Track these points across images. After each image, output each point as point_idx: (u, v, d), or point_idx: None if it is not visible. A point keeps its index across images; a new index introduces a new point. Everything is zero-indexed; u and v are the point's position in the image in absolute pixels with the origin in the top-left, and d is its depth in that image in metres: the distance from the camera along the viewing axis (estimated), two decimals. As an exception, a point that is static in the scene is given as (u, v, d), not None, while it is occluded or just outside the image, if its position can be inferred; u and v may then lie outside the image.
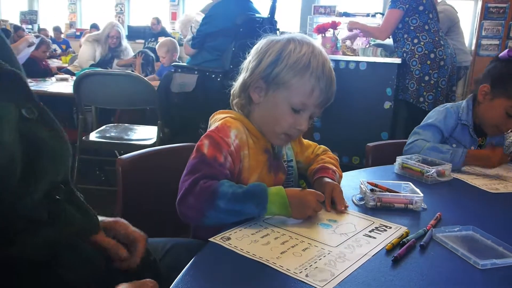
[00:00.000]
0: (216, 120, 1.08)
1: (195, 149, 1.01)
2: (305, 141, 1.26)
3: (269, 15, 2.95)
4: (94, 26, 7.03)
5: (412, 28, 3.11)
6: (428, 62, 3.08)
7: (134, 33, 8.11)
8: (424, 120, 1.62)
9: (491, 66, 1.55)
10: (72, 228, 0.75)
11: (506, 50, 1.50)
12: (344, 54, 3.70)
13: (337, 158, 1.24)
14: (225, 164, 0.99)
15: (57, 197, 0.72)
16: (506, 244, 0.84)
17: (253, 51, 1.07)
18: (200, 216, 0.92)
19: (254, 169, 1.05)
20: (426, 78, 3.09)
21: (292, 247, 0.83)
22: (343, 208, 1.02)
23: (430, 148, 1.46)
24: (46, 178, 0.69)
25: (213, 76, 2.77)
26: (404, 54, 3.17)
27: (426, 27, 3.09)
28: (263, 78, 1.03)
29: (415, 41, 3.10)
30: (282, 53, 1.01)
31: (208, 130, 1.06)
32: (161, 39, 6.13)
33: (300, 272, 0.74)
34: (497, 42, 5.64)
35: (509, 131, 1.96)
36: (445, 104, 1.64)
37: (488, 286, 0.74)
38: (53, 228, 0.70)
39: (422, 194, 1.05)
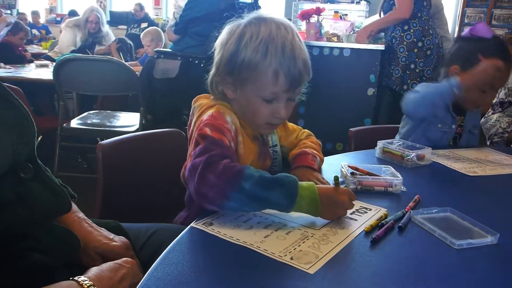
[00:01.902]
0: (202, 106, 1.06)
1: (195, 140, 0.94)
2: (290, 125, 1.26)
3: (252, 1, 2.92)
4: (73, 13, 6.85)
5: None
6: (415, 50, 3.08)
7: (116, 19, 7.96)
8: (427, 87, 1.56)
9: (456, 47, 1.57)
10: (41, 207, 0.75)
11: (468, 29, 1.53)
12: (328, 40, 3.70)
13: (320, 143, 1.25)
14: (230, 145, 0.95)
15: (22, 175, 0.72)
16: (481, 224, 0.87)
17: (217, 43, 1.03)
18: (222, 197, 0.82)
19: (247, 157, 1.04)
20: (412, 66, 3.10)
21: (276, 230, 0.84)
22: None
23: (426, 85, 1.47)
24: (5, 157, 0.68)
25: (196, 62, 2.75)
26: (393, 40, 3.16)
27: (419, 15, 3.07)
28: (228, 74, 1.00)
29: (405, 27, 3.08)
30: (240, 42, 0.97)
31: (194, 117, 1.04)
32: (144, 25, 6.05)
33: (284, 255, 0.74)
34: (479, 29, 5.69)
35: (490, 112, 2.00)
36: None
37: (463, 265, 0.76)
38: (21, 207, 0.70)
39: (401, 177, 1.07)
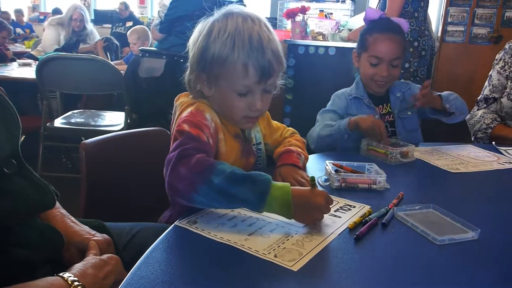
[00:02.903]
0: (183, 104, 1.06)
1: (174, 136, 0.96)
2: (274, 123, 1.27)
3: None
4: (57, 11, 6.77)
5: (402, 12, 3.05)
6: (411, 49, 3.05)
7: (100, 17, 7.87)
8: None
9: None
10: (24, 201, 0.75)
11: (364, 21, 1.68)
12: (313, 39, 3.71)
13: (304, 141, 1.25)
14: (209, 142, 0.96)
15: (6, 170, 0.71)
16: (463, 220, 0.88)
17: (189, 42, 1.04)
18: (191, 190, 0.81)
19: (229, 155, 1.04)
20: (406, 65, 3.06)
21: (260, 228, 0.84)
22: None
23: (322, 128, 1.51)
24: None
25: (181, 60, 2.73)
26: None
27: (415, 15, 3.07)
28: (201, 71, 1.01)
29: (418, 40, 3.04)
30: (209, 38, 0.97)
31: (175, 115, 1.04)
32: (129, 24, 6.00)
33: (268, 253, 0.74)
34: (462, 29, 5.77)
35: (475, 109, 2.02)
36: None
37: (445, 260, 0.77)
38: (4, 201, 0.70)
39: (385, 175, 1.08)
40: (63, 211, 0.93)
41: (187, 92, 1.10)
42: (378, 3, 3.21)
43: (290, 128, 1.28)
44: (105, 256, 0.82)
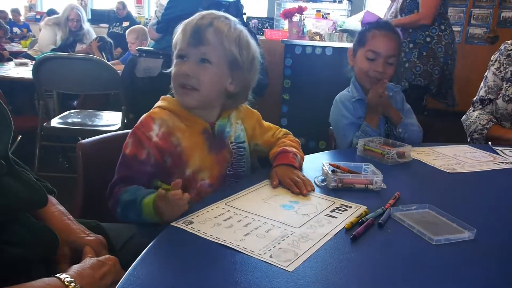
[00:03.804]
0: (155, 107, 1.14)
1: (123, 144, 1.07)
2: (266, 123, 1.27)
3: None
4: (52, 12, 6.73)
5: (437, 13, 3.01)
6: (450, 52, 3.03)
7: (97, 17, 7.86)
8: (333, 120, 1.67)
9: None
10: (15, 199, 0.75)
11: (361, 24, 1.82)
12: (310, 39, 3.72)
13: (299, 140, 1.26)
14: (148, 160, 1.05)
15: None
16: (459, 220, 0.88)
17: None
18: (118, 218, 1.01)
19: (192, 150, 1.08)
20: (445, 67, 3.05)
21: (256, 229, 0.84)
22: (305, 191, 1.02)
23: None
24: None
25: (178, 60, 2.73)
26: (428, 39, 3.01)
27: (447, 16, 3.07)
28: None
29: (442, 27, 3.01)
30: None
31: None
32: (126, 24, 5.98)
33: (264, 253, 0.74)
34: (459, 29, 5.79)
35: (471, 110, 2.03)
36: (335, 98, 1.68)
37: (441, 260, 0.77)
38: None
39: (382, 175, 1.08)
40: (62, 208, 0.94)
41: (164, 96, 1.16)
42: (403, 2, 3.11)
43: (283, 129, 1.29)
44: (102, 257, 0.82)
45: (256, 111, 1.26)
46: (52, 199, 0.94)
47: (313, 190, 1.05)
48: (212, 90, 1.08)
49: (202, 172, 1.10)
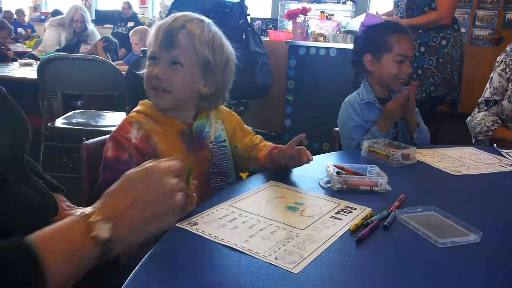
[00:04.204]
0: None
1: (104, 149, 1.08)
2: (245, 126, 1.29)
3: (239, 0, 2.92)
4: (56, 13, 6.76)
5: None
6: (463, 53, 2.78)
7: (102, 18, 7.88)
8: (340, 122, 1.68)
9: (358, 43, 1.74)
10: (26, 209, 0.74)
11: (360, 26, 1.72)
12: (314, 40, 3.72)
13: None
14: (131, 160, 1.05)
15: (9, 177, 0.71)
16: (465, 223, 0.88)
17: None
18: None
19: (169, 153, 1.09)
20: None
21: (260, 230, 0.84)
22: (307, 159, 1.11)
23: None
24: (8, 151, 0.67)
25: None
26: (444, 42, 2.70)
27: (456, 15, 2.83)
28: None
29: (455, 26, 2.75)
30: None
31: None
32: (131, 24, 6.00)
33: (269, 255, 0.74)
34: (463, 30, 5.77)
35: (475, 111, 2.02)
36: (344, 100, 1.70)
37: (447, 264, 0.76)
38: (5, 206, 0.69)
39: (387, 177, 1.08)
40: (68, 203, 0.94)
41: (142, 101, 1.17)
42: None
43: (257, 135, 1.30)
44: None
45: (236, 114, 1.29)
46: (60, 196, 0.94)
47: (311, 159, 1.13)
48: (184, 92, 1.10)
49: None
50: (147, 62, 1.11)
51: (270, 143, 1.26)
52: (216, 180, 1.17)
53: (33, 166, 0.89)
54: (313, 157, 1.29)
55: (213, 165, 1.17)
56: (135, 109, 1.15)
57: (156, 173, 0.68)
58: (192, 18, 1.11)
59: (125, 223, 0.61)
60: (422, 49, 2.72)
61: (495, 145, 1.65)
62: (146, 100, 1.15)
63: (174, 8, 2.86)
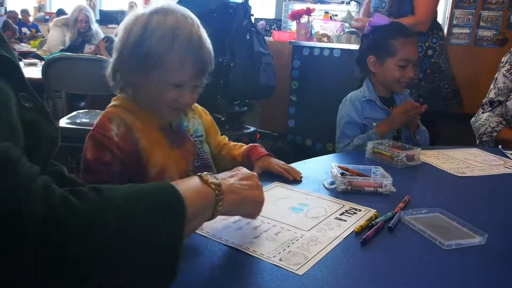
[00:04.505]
0: (106, 107, 1.09)
1: (83, 152, 1.02)
2: (215, 125, 1.28)
3: (243, 0, 2.92)
4: (61, 12, 6.78)
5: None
6: (449, 61, 2.68)
7: (106, 18, 7.88)
8: (338, 117, 1.68)
9: (363, 44, 1.76)
10: (45, 139, 0.72)
11: (367, 25, 1.73)
12: (318, 40, 3.71)
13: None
14: (113, 160, 1.00)
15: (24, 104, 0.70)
16: (470, 225, 0.87)
17: (119, 29, 1.03)
18: None
19: (152, 149, 1.05)
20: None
21: (265, 231, 0.84)
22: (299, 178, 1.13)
23: (354, 147, 1.56)
24: (40, 161, 0.67)
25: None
26: (430, 51, 2.57)
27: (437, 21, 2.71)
28: (132, 60, 0.99)
29: (440, 34, 2.64)
30: (146, 29, 0.97)
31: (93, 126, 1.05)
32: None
33: (274, 257, 0.74)
34: (468, 31, 5.76)
35: (480, 112, 2.02)
36: (346, 96, 1.70)
37: (452, 266, 0.76)
38: (30, 134, 0.67)
39: (391, 178, 1.07)
40: None
41: (114, 97, 1.10)
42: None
43: (223, 135, 1.30)
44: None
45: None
46: None
47: (301, 178, 1.14)
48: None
49: (168, 170, 1.07)
50: (168, 88, 1.00)
51: (240, 143, 1.25)
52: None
53: (61, 170, 0.88)
54: (317, 158, 1.29)
55: (197, 158, 1.15)
56: (111, 104, 1.08)
57: (239, 168, 0.84)
58: (208, 41, 1.02)
59: (228, 184, 0.74)
60: None
61: (500, 146, 1.65)
62: (120, 96, 1.09)
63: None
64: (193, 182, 0.69)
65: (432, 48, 2.56)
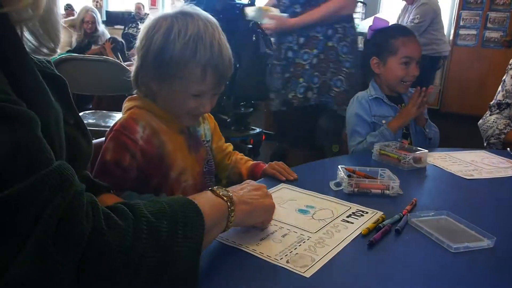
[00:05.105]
0: (125, 109, 1.07)
1: (101, 152, 1.00)
2: (219, 129, 1.28)
3: (249, 1, 2.92)
4: (69, 7, 6.84)
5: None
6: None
7: (112, 18, 7.91)
8: (347, 118, 1.67)
9: (366, 48, 1.80)
10: (81, 154, 0.75)
11: (368, 29, 1.75)
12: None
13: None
14: (132, 165, 0.99)
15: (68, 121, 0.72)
16: (478, 228, 0.87)
17: (141, 34, 1.02)
18: None
19: (176, 152, 1.05)
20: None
21: (272, 233, 0.83)
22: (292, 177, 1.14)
23: (369, 145, 1.53)
24: (79, 174, 0.70)
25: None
26: (331, 31, 2.12)
27: None
28: (154, 68, 0.99)
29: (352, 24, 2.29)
30: (168, 37, 0.96)
31: (115, 125, 1.04)
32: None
33: (280, 259, 0.74)
34: (475, 32, 5.73)
35: (487, 114, 2.01)
36: (353, 97, 1.70)
37: (460, 269, 0.76)
38: (70, 148, 0.69)
39: (398, 180, 1.07)
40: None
41: (132, 96, 1.09)
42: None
43: (229, 143, 1.29)
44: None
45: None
46: (110, 196, 0.91)
47: (297, 178, 1.14)
48: None
49: (185, 173, 1.08)
50: (188, 98, 1.00)
51: (246, 157, 1.26)
52: (207, 180, 1.16)
53: (87, 174, 0.89)
54: (324, 160, 1.29)
55: (206, 164, 1.15)
56: (132, 104, 1.06)
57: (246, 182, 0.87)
58: (228, 48, 1.02)
59: (239, 196, 0.76)
60: (301, 40, 2.14)
61: (508, 149, 1.63)
62: (135, 95, 1.08)
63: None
64: (207, 196, 0.72)
65: (333, 28, 2.12)
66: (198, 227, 0.62)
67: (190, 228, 0.61)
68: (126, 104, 1.08)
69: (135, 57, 1.05)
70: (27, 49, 0.60)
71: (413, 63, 1.62)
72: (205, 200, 0.69)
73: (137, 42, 1.02)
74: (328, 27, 2.11)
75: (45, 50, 0.63)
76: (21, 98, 0.51)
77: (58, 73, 0.70)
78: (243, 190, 0.81)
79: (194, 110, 1.03)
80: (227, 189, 0.76)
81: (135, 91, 1.08)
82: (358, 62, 2.12)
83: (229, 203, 0.72)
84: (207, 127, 1.21)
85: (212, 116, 1.25)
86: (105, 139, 1.03)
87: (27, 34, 0.59)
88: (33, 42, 0.61)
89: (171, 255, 0.57)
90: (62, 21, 0.64)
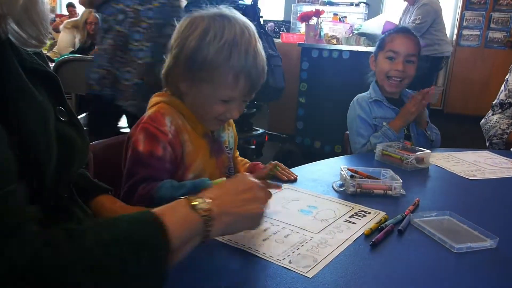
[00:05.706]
0: (150, 103, 1.05)
1: (131, 145, 0.99)
2: None
3: (252, 2, 2.93)
4: (71, 5, 6.86)
5: None
6: None
7: (115, 20, 7.93)
8: (348, 121, 1.68)
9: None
10: (76, 151, 0.74)
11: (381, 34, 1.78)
12: (327, 42, 3.71)
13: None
14: (165, 156, 0.97)
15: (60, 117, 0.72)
16: (481, 228, 0.86)
17: (176, 33, 1.00)
18: (148, 198, 0.91)
19: (196, 154, 1.03)
20: None
21: (274, 233, 0.84)
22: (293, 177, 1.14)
23: (373, 146, 1.53)
24: (74, 174, 0.70)
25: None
26: (122, 16, 1.98)
27: None
28: (186, 69, 0.97)
29: None
30: (202, 41, 0.94)
31: (142, 118, 1.02)
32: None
33: (283, 259, 0.74)
34: (478, 33, 5.72)
35: (490, 114, 2.00)
36: (353, 99, 1.71)
37: (463, 269, 0.76)
38: (63, 146, 0.68)
39: (401, 181, 1.07)
40: (121, 203, 0.91)
41: (159, 93, 1.08)
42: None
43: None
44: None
45: None
46: (110, 197, 0.91)
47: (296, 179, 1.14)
48: None
49: (202, 177, 1.03)
50: (217, 103, 0.99)
51: (245, 160, 1.26)
52: None
53: (85, 173, 0.89)
54: (326, 160, 1.29)
55: (227, 172, 1.15)
56: (159, 99, 1.04)
57: (240, 175, 0.79)
58: (263, 56, 1.00)
59: (221, 205, 0.67)
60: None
61: (511, 149, 1.63)
62: (163, 91, 1.06)
63: (187, 12, 2.87)
64: (181, 209, 0.64)
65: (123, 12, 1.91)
66: (159, 249, 0.57)
67: (150, 253, 0.56)
68: (153, 99, 1.06)
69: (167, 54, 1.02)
70: (15, 41, 0.60)
71: (400, 58, 1.60)
72: (175, 217, 0.62)
73: (171, 40, 1.01)
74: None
75: (33, 42, 0.61)
76: None
77: (49, 70, 0.69)
78: (230, 194, 0.71)
79: (221, 115, 1.01)
80: (210, 194, 0.68)
81: (164, 90, 1.07)
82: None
83: (206, 218, 0.64)
84: (231, 134, 1.19)
85: (234, 125, 1.23)
86: (131, 134, 1.01)
87: (13, 25, 0.58)
88: (20, 33, 0.59)
89: (126, 280, 0.54)
90: (48, 10, 0.62)
